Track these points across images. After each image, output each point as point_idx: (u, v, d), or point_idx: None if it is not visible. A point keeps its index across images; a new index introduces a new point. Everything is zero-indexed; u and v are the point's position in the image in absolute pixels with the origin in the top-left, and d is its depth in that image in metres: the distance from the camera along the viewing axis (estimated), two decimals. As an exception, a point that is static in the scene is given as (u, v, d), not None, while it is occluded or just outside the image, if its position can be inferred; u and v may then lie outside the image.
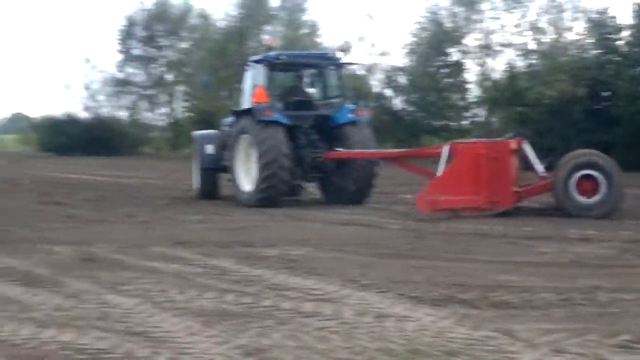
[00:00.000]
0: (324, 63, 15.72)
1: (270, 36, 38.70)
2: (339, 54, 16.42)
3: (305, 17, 40.58)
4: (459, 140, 14.38)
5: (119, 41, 45.40)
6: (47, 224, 12.12)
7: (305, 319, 5.84)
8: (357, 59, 31.66)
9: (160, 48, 44.79)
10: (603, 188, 12.10)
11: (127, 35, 45.09)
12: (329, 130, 14.84)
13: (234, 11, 39.97)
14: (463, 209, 12.21)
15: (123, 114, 46.64)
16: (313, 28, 40.27)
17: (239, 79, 16.51)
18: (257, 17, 38.92)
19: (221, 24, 41.61)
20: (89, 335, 5.46)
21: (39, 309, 6.32)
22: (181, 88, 44.49)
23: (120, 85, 45.63)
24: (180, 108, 45.06)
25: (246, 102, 15.26)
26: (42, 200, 16.32)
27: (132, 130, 45.79)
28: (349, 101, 15.66)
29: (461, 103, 33.45)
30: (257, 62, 15.34)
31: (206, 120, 31.91)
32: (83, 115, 46.54)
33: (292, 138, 14.42)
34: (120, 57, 45.74)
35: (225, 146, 15.36)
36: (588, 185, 12.16)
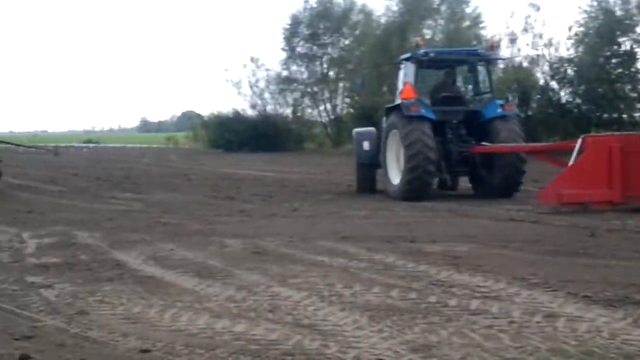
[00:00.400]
0: (473, 59, 16.02)
1: (430, 30, 38.49)
2: (488, 50, 16.67)
3: (468, 10, 39.89)
4: (592, 134, 14.29)
5: (283, 40, 46.52)
6: (218, 217, 12.65)
7: (473, 317, 5.76)
8: (508, 53, 30.96)
9: (323, 45, 45.48)
10: None
11: (291, 33, 46.10)
12: (479, 125, 15.07)
13: (395, 6, 39.94)
14: (592, 202, 12.05)
15: (287, 111, 47.80)
16: (475, 20, 39.53)
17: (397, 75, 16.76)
18: (418, 11, 38.65)
19: (382, 19, 41.72)
20: (260, 327, 5.64)
21: (213, 299, 6.59)
22: (343, 84, 45.00)
23: (285, 82, 46.75)
24: (342, 104, 45.61)
25: (398, 99, 15.63)
26: (213, 194, 17.03)
27: (296, 126, 46.82)
28: (511, 96, 15.63)
29: (633, 94, 31.83)
30: (406, 59, 15.86)
31: (367, 116, 32.11)
32: (249, 112, 48.09)
33: (440, 132, 14.86)
34: (284, 55, 46.87)
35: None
36: None
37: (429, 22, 39.68)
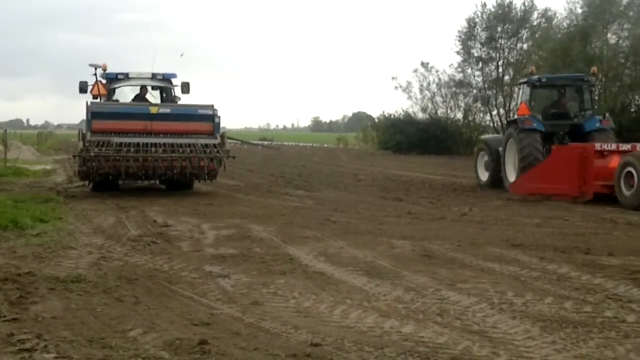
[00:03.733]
0: (579, 83, 19.51)
1: (615, 35, 36.86)
2: (590, 76, 19.79)
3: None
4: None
5: (459, 43, 45.93)
6: (387, 218, 12.72)
7: (653, 335, 5.49)
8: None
9: (499, 49, 44.56)
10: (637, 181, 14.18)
11: (466, 37, 45.47)
12: (581, 137, 18.12)
13: (579, 9, 38.37)
14: (553, 195, 15.71)
15: (458, 115, 47.23)
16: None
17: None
18: (604, 15, 37.00)
19: (564, 22, 40.27)
20: (429, 329, 5.64)
21: (382, 299, 6.66)
22: (518, 89, 43.88)
23: (457, 86, 46.22)
24: (516, 109, 44.51)
25: (516, 115, 19.44)
26: (381, 195, 17.15)
27: (466, 130, 46.22)
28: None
29: None
30: (523, 83, 19.96)
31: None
32: (420, 115, 47.93)
33: (549, 140, 18.34)
34: (458, 58, 46.32)
35: None
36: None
37: (614, 27, 37.86)
